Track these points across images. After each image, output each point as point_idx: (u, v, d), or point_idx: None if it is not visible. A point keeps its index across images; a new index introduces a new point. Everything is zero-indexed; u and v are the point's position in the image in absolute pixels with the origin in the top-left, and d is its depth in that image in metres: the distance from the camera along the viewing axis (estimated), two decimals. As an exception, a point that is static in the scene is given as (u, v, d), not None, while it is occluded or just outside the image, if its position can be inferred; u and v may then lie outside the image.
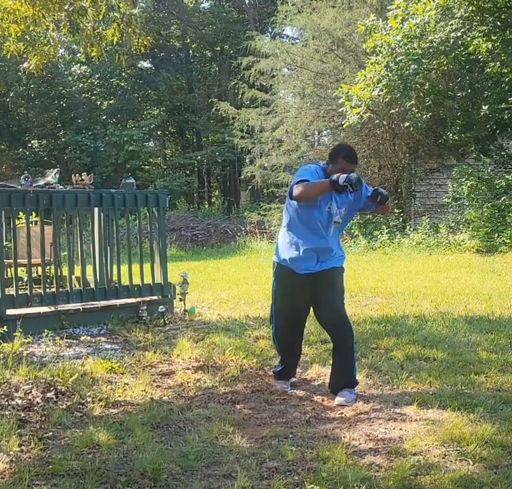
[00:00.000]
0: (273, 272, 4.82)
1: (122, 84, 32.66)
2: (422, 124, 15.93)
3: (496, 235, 14.04)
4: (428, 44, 14.86)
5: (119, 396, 4.58)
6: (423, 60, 14.97)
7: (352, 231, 16.89)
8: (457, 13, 14.92)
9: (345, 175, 4.20)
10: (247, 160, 25.22)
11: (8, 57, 9.04)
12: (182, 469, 3.33)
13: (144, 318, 7.06)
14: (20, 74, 24.13)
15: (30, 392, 4.47)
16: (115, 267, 7.44)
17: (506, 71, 15.00)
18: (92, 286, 7.23)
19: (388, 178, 19.04)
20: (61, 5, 7.14)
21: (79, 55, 29.93)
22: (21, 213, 7.67)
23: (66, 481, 3.20)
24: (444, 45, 14.91)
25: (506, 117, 15.33)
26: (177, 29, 34.55)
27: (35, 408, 4.23)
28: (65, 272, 7.65)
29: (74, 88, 31.53)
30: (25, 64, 8.49)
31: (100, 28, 7.60)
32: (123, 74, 31.99)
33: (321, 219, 4.52)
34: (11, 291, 6.79)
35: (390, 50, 14.82)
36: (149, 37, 7.83)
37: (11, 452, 3.53)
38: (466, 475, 3.17)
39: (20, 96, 30.95)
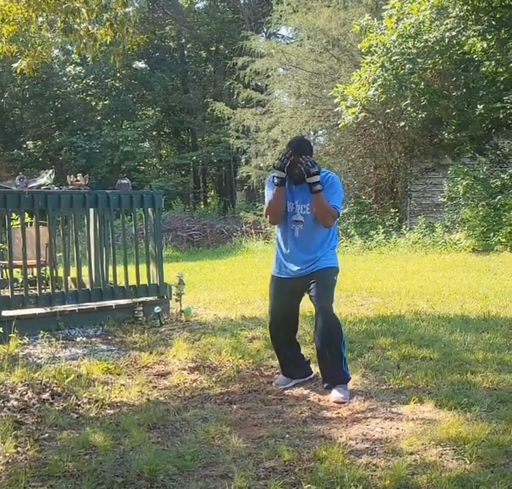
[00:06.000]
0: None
1: (117, 85, 32.66)
2: (418, 124, 15.96)
3: (492, 234, 14.07)
4: (423, 43, 14.89)
5: (115, 397, 4.57)
6: (418, 60, 15.01)
7: (348, 230, 16.90)
8: (452, 12, 14.96)
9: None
10: (243, 160, 25.22)
11: (0, 58, 9.01)
12: (179, 470, 3.33)
13: (140, 318, 7.05)
14: (15, 75, 24.11)
15: (26, 393, 4.45)
16: (110, 268, 7.42)
17: (501, 70, 15.03)
18: (88, 287, 7.21)
19: (383, 178, 19.06)
20: (55, 5, 7.11)
21: (73, 56, 29.91)
22: (15, 214, 7.65)
23: (63, 482, 3.19)
24: (439, 45, 14.94)
25: (501, 116, 15.35)
26: (172, 29, 34.53)
27: (31, 409, 4.21)
28: (61, 272, 7.63)
29: (69, 89, 31.55)
30: (16, 64, 8.45)
31: (95, 28, 7.56)
32: (118, 74, 32.01)
33: (286, 219, 4.67)
34: (6, 292, 6.76)
35: (385, 50, 14.85)
36: (142, 36, 7.81)
37: (7, 454, 3.52)
38: (463, 474, 3.17)
39: (14, 96, 30.92)
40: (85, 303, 6.98)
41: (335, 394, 4.46)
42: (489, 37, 14.88)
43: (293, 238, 4.65)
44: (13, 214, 7.79)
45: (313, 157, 4.56)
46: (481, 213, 14.43)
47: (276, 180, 4.53)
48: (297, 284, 4.66)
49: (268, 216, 4.80)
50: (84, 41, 7.38)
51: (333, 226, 4.69)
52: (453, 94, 16.45)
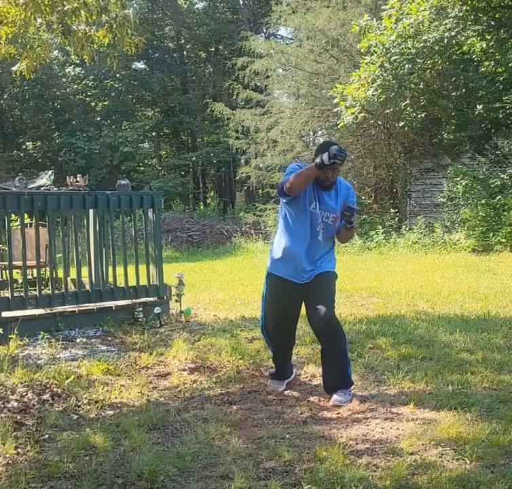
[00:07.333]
0: (265, 278, 4.81)
1: (116, 85, 32.64)
2: (417, 124, 15.96)
3: (491, 234, 14.07)
4: (422, 44, 14.90)
5: (115, 398, 4.57)
6: (417, 60, 15.01)
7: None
8: (451, 12, 14.97)
9: (326, 153, 4.13)
10: (242, 161, 25.21)
11: (-1, 59, 9.01)
12: (179, 471, 3.33)
13: (140, 319, 7.05)
14: (14, 76, 24.13)
15: (26, 394, 4.45)
16: (110, 268, 7.42)
17: (500, 70, 15.03)
18: (88, 288, 7.21)
19: (383, 178, 19.06)
20: (53, 7, 7.09)
21: (72, 56, 29.90)
22: (15, 215, 7.65)
23: (63, 483, 3.19)
24: (438, 45, 14.94)
25: (500, 116, 15.36)
26: (171, 30, 34.51)
27: (31, 410, 4.22)
28: (60, 274, 7.63)
29: (68, 90, 31.53)
30: (15, 67, 8.44)
31: (92, 30, 7.54)
32: (118, 75, 31.98)
33: (307, 220, 4.50)
34: (6, 293, 6.76)
35: (384, 50, 14.86)
36: (141, 38, 7.79)
37: (7, 455, 3.52)
38: (463, 474, 3.17)
39: (13, 97, 30.90)
40: (85, 304, 6.98)
41: (336, 398, 4.43)
42: (489, 37, 14.87)
43: (316, 239, 4.53)
44: (13, 216, 7.79)
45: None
46: (480, 213, 14.44)
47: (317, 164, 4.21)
48: (302, 289, 4.57)
49: (289, 184, 4.30)
50: (82, 42, 7.37)
51: None
52: (453, 94, 16.45)
